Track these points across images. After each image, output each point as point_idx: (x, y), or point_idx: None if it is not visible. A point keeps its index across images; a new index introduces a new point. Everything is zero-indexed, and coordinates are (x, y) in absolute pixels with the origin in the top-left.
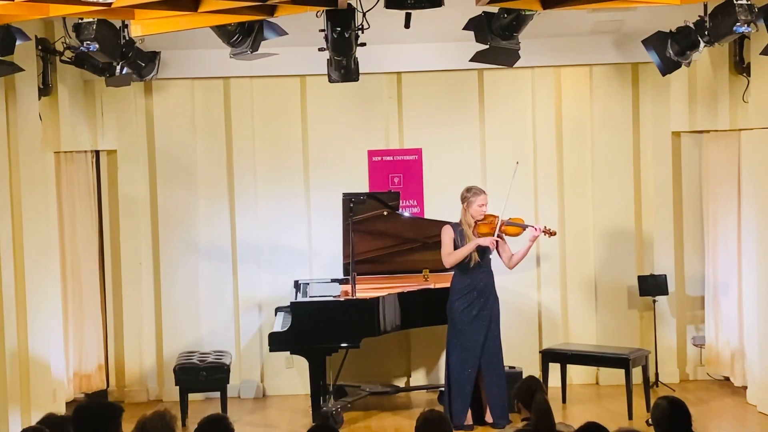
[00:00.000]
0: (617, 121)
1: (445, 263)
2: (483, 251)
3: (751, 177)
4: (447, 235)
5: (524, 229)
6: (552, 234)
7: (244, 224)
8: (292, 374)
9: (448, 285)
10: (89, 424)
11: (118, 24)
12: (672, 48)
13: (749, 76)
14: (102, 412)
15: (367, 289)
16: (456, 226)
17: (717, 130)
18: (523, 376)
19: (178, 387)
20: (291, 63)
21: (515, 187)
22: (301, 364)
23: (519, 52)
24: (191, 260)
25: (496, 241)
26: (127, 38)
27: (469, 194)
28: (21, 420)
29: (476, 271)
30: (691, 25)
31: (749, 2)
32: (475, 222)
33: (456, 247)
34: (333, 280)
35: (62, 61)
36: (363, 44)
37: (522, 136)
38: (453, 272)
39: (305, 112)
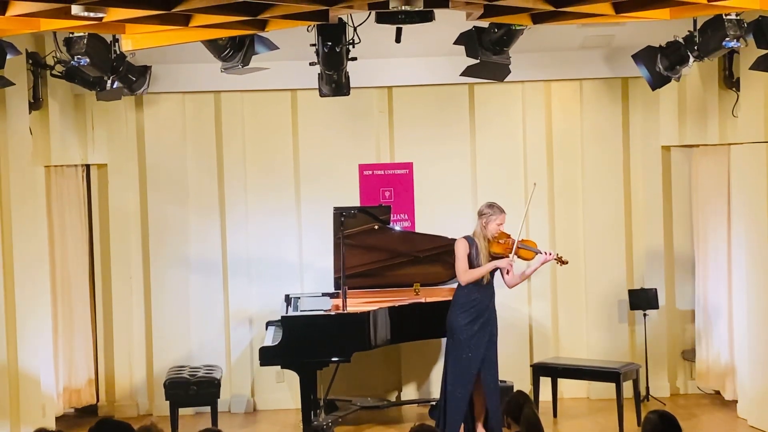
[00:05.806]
0: (607, 135)
1: (460, 280)
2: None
3: (741, 191)
4: (461, 250)
5: (536, 254)
6: (564, 263)
7: (235, 238)
8: (283, 389)
9: (439, 299)
10: None
11: (109, 38)
12: (662, 63)
13: (739, 90)
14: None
15: (358, 303)
16: (471, 240)
17: (707, 145)
18: (514, 391)
19: (168, 401)
20: (282, 77)
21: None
22: (292, 378)
23: (509, 66)
24: (182, 274)
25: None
26: (118, 52)
27: (490, 210)
28: None
29: (485, 289)
30: (681, 40)
31: (738, 17)
32: (489, 240)
33: (471, 261)
34: (324, 294)
35: (53, 75)
36: (354, 59)
37: (512, 150)
38: (455, 286)
39: (296, 126)
